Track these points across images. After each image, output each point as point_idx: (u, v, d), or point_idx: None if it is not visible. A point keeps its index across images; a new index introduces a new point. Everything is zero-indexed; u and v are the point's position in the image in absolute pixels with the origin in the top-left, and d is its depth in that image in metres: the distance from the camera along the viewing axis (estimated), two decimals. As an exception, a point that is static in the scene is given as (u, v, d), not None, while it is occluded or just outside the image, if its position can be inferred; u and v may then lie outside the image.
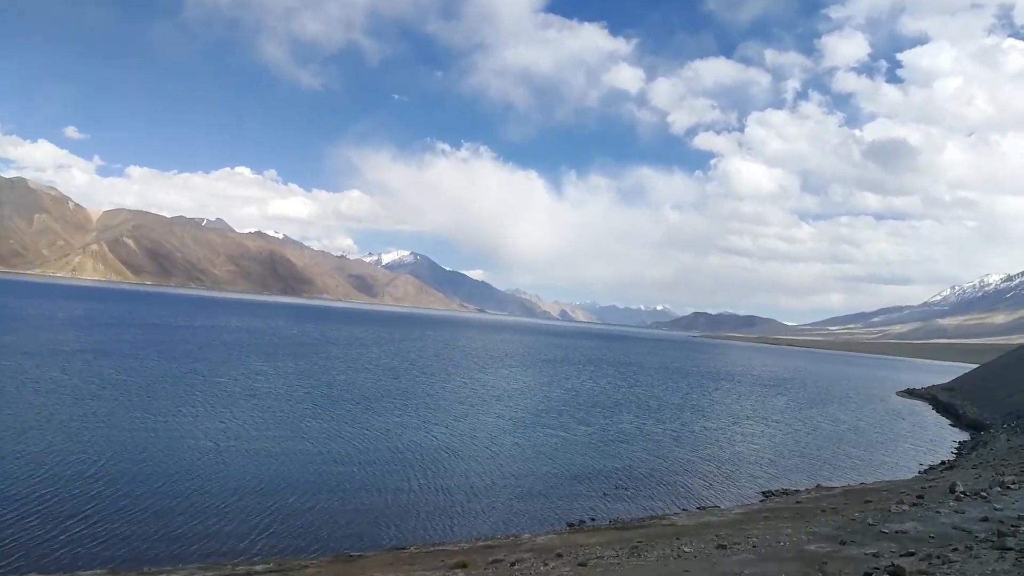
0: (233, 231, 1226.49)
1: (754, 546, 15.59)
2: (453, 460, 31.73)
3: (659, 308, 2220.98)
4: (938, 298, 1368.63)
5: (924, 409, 75.87)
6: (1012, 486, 23.73)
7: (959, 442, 49.17)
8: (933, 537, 16.67)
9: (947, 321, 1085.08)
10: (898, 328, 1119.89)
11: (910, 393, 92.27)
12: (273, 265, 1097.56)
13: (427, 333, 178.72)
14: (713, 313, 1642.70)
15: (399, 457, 31.10)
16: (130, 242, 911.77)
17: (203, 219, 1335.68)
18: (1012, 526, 17.85)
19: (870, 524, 18.06)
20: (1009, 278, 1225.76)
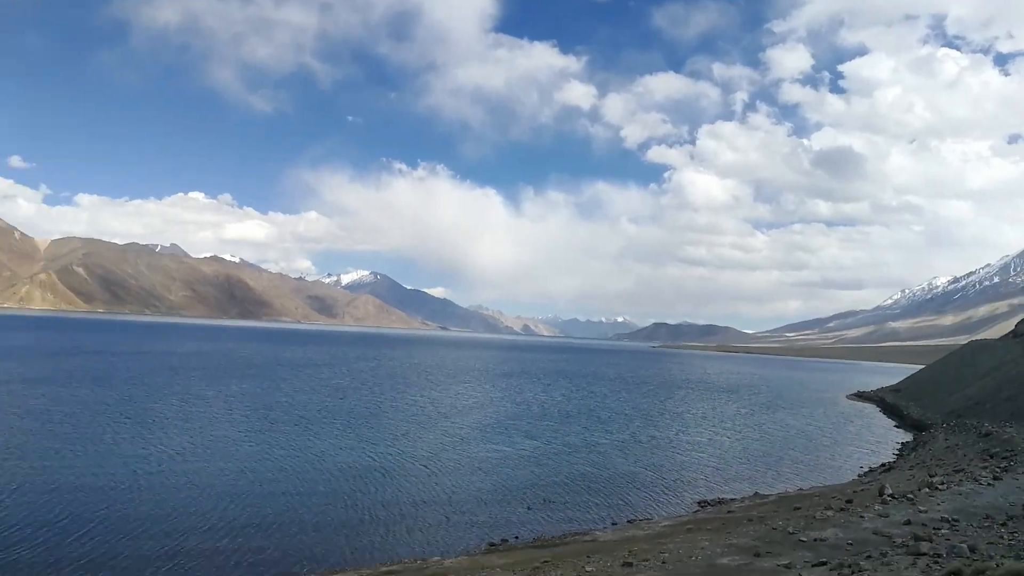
0: (188, 256, 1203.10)
1: (663, 562, 14.91)
2: (385, 480, 30.62)
3: (620, 320, 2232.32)
4: (890, 302, 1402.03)
5: (872, 411, 76.69)
6: (940, 487, 23.54)
7: (901, 443, 49.50)
8: (851, 544, 16.20)
9: (899, 324, 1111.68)
10: (852, 332, 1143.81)
11: (859, 396, 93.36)
12: (230, 289, 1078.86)
13: (384, 352, 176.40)
14: (673, 323, 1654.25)
15: (328, 480, 29.91)
16: (80, 270, 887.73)
17: (157, 245, 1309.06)
18: (934, 529, 17.51)
19: (790, 533, 17.54)
20: (955, 280, 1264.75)
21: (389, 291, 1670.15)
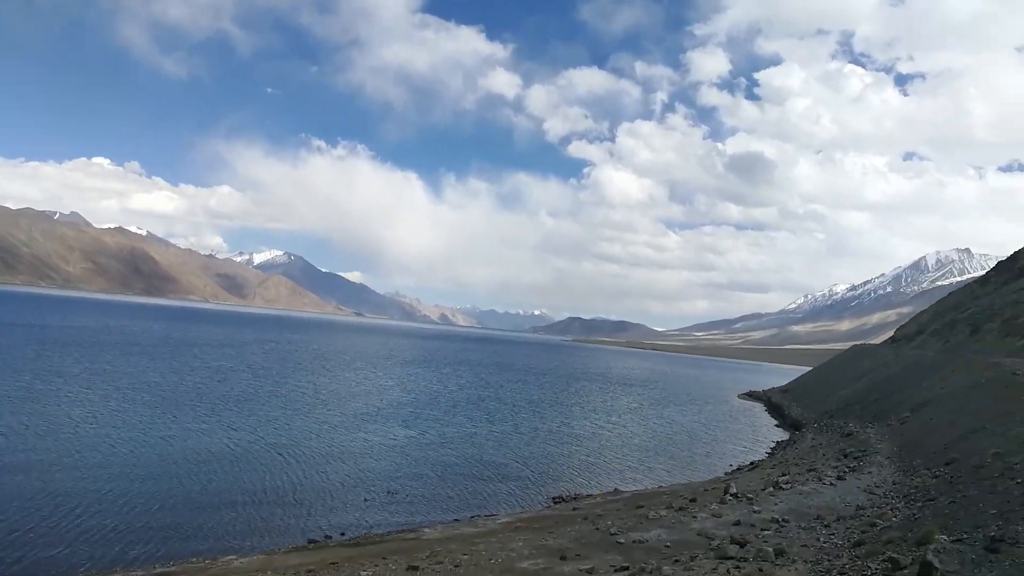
0: (90, 226, 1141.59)
1: (457, 565, 13.82)
2: (230, 469, 28.56)
3: (537, 313, 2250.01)
4: (793, 306, 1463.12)
5: (759, 410, 78.66)
6: (784, 486, 23.43)
7: (776, 442, 50.43)
8: (669, 546, 15.52)
9: (800, 328, 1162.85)
10: (757, 334, 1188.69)
11: (750, 395, 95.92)
12: (134, 263, 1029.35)
13: (286, 336, 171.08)
14: (587, 318, 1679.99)
15: (161, 467, 27.60)
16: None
17: (55, 212, 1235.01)
18: (761, 530, 17.08)
19: (612, 533, 16.77)
20: (853, 288, 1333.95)
21: (303, 273, 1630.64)
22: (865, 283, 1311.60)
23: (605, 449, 43.48)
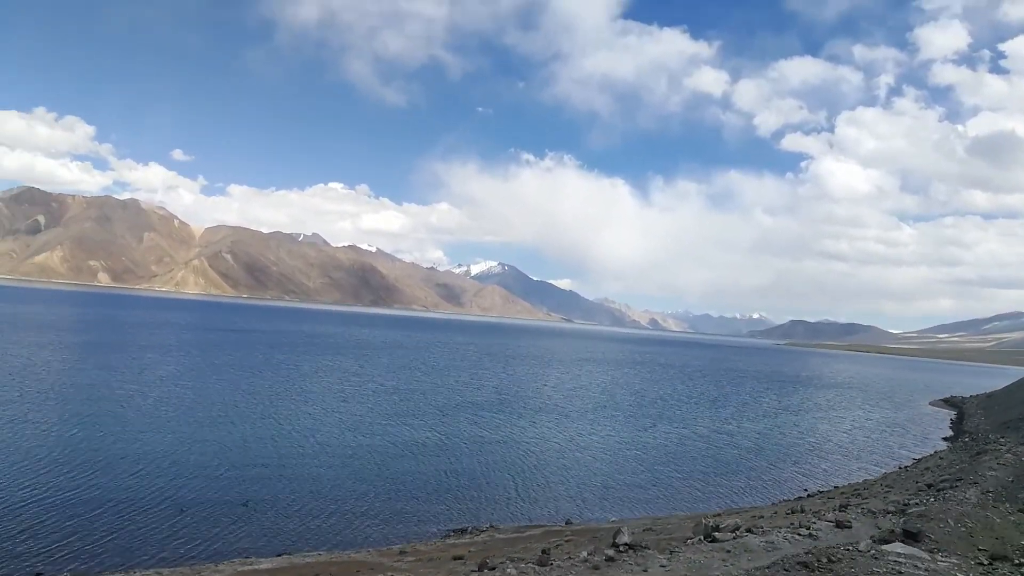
0: (328, 245, 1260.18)
1: None
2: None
3: (755, 316, 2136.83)
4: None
5: (944, 418, 63.57)
6: (723, 537, 14.83)
7: (915, 459, 38.43)
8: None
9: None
10: (1015, 335, 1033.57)
11: (946, 401, 79.06)
12: (364, 276, 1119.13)
13: (464, 339, 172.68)
14: (812, 321, 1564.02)
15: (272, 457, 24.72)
16: (228, 257, 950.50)
17: (300, 234, 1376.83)
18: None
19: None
20: None
21: (516, 282, 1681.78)
22: None
23: (659, 464, 34.93)
